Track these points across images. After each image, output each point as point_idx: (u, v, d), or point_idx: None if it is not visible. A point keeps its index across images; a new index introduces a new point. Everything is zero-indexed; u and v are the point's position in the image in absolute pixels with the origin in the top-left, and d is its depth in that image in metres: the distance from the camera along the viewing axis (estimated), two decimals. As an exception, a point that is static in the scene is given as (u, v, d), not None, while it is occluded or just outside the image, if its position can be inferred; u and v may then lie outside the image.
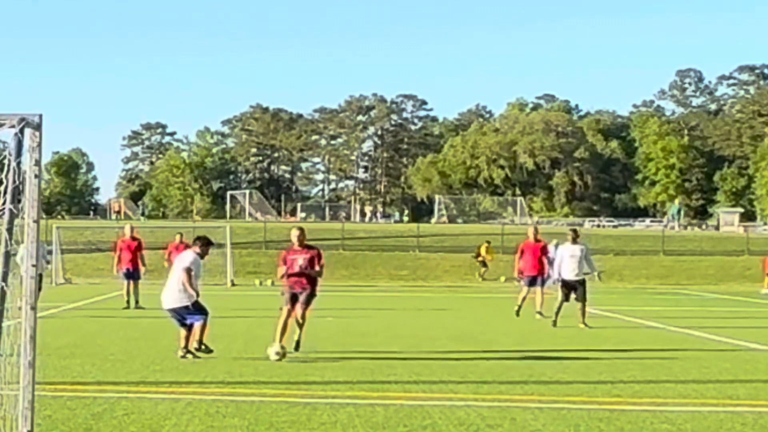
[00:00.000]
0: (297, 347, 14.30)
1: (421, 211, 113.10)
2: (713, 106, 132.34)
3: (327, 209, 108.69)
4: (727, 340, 17.73)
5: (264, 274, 43.25)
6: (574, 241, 20.37)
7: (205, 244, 14.70)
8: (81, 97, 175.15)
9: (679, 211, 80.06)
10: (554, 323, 19.70)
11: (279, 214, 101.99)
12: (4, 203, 6.44)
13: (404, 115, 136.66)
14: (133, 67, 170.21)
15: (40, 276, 20.81)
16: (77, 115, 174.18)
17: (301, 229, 15.18)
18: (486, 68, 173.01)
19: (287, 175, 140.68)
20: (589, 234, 60.38)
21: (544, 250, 22.65)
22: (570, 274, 19.93)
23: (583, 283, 20.01)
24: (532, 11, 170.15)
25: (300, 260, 14.56)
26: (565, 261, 20.04)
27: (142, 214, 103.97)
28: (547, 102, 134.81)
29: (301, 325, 14.48)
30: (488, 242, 47.03)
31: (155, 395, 10.34)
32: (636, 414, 9.59)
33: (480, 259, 45.78)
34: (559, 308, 19.93)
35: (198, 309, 14.20)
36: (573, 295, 20.03)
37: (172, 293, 13.96)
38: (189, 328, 14.15)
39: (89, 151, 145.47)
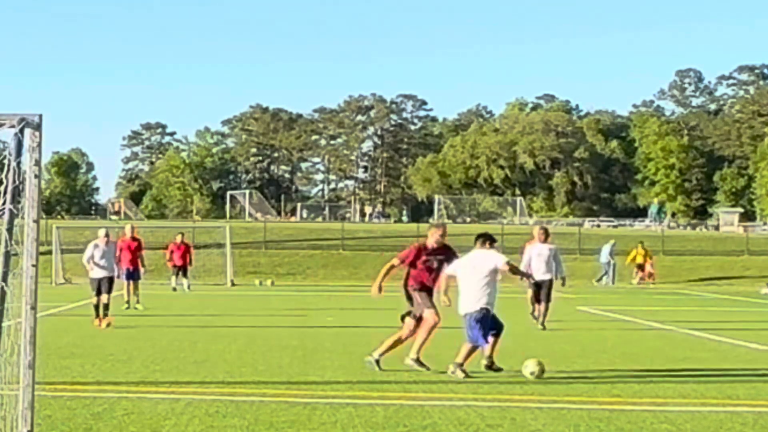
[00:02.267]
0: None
1: (421, 211, 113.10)
2: (713, 106, 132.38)
3: (327, 209, 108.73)
4: (727, 340, 17.73)
5: (264, 274, 43.26)
6: (544, 240, 19.73)
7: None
8: (81, 97, 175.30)
9: (660, 211, 76.71)
10: (543, 326, 19.18)
11: (279, 214, 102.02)
12: (4, 203, 6.44)
13: (404, 115, 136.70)
14: (133, 67, 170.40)
15: (112, 278, 19.73)
16: (77, 115, 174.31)
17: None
18: (486, 68, 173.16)
19: (287, 175, 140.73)
20: (590, 234, 60.38)
21: None
22: (537, 274, 19.15)
23: (549, 283, 19.36)
24: (532, 11, 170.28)
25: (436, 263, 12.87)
26: (533, 260, 19.47)
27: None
28: (547, 102, 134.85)
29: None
30: (641, 242, 45.11)
31: (155, 395, 10.34)
32: (636, 414, 9.59)
33: (637, 263, 43.94)
34: (540, 309, 19.41)
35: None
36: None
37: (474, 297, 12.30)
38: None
39: (89, 151, 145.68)
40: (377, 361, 12.61)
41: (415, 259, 12.82)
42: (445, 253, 12.92)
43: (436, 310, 12.67)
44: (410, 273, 12.90)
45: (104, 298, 19.27)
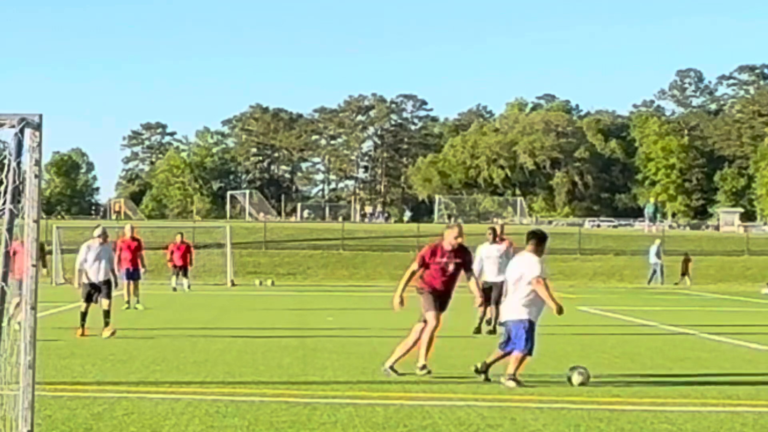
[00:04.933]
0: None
1: (421, 211, 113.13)
2: (713, 106, 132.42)
3: (327, 209, 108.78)
4: (727, 340, 17.73)
5: (264, 274, 43.25)
6: (493, 241, 18.82)
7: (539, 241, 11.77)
8: (81, 97, 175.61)
9: (655, 210, 74.65)
10: (477, 330, 18.21)
11: (279, 214, 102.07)
12: (4, 203, 6.44)
13: (404, 115, 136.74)
14: (133, 67, 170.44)
15: (109, 282, 17.29)
16: (77, 115, 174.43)
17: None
18: (486, 68, 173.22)
19: (287, 175, 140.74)
20: (590, 234, 60.42)
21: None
22: (490, 276, 18.37)
23: (500, 286, 17.54)
24: (532, 11, 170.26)
25: (451, 266, 12.44)
26: (484, 263, 18.60)
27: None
28: (547, 102, 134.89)
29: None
30: None
31: (155, 395, 10.33)
32: (636, 414, 9.59)
33: None
34: (483, 314, 18.47)
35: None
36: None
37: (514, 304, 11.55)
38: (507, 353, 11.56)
39: (89, 151, 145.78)
40: (392, 368, 12.14)
41: (429, 260, 12.34)
42: (462, 255, 12.53)
43: (437, 313, 12.24)
44: (423, 274, 12.44)
45: (104, 303, 17.10)
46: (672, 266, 48.49)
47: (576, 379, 11.52)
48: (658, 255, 43.52)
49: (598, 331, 19.34)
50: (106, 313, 17.04)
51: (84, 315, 17.02)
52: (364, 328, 19.48)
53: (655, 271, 43.51)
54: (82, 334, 16.82)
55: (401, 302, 12.33)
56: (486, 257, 18.75)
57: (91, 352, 14.40)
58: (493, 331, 17.61)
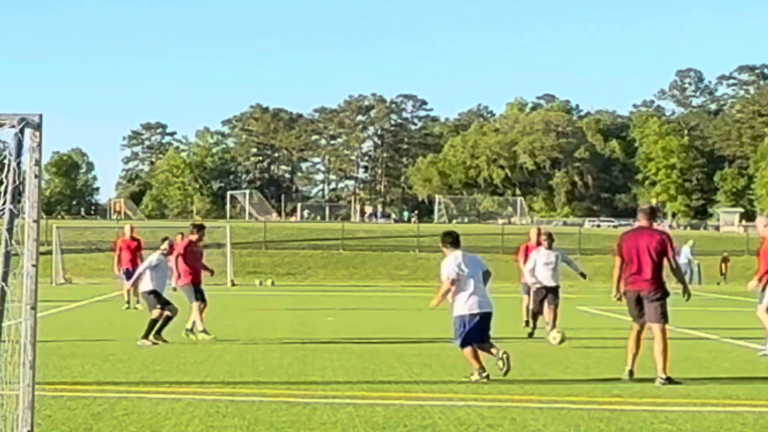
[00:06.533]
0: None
1: (421, 211, 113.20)
2: (713, 106, 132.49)
3: (327, 209, 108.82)
4: (727, 340, 17.73)
5: (264, 274, 43.25)
6: (549, 246, 18.49)
7: None
8: (81, 97, 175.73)
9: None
10: (530, 334, 18.08)
11: (279, 214, 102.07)
12: (4, 203, 6.44)
13: (404, 115, 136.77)
14: (133, 67, 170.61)
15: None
16: (77, 115, 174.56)
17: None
18: (486, 68, 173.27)
19: (287, 175, 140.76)
20: (590, 234, 60.42)
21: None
22: (547, 281, 18.14)
23: (556, 290, 18.18)
24: (532, 11, 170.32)
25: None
26: (540, 267, 18.31)
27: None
28: (547, 102, 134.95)
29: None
30: None
31: (155, 395, 10.33)
32: (636, 414, 9.58)
33: None
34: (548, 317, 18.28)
35: None
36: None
37: None
38: None
39: (89, 151, 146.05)
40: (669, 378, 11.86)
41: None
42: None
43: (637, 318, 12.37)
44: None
45: (155, 314, 16.36)
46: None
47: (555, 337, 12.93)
48: (692, 255, 43.56)
49: (597, 332, 19.32)
50: (154, 323, 16.25)
51: (155, 322, 16.23)
52: (364, 328, 19.48)
53: (691, 271, 43.44)
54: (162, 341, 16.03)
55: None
56: (544, 263, 18.26)
57: (91, 352, 14.40)
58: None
